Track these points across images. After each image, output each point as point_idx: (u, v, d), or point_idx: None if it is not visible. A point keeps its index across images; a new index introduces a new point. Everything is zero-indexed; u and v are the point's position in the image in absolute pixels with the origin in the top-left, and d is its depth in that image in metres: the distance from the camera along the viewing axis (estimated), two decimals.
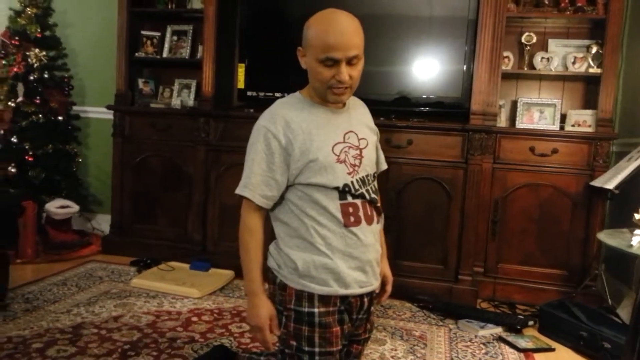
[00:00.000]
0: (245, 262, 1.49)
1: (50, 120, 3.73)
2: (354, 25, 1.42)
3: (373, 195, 1.52)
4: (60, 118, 3.79)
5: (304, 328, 1.45)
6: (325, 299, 1.45)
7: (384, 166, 1.70)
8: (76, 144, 3.98)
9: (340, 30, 1.39)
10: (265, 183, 1.46)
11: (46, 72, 3.73)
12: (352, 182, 1.47)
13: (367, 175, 1.52)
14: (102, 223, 4.05)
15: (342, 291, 1.46)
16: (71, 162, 3.90)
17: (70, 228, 3.76)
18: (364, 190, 1.49)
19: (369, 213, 1.50)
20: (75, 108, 4.00)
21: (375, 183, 1.58)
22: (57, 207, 3.62)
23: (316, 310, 1.45)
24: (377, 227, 1.55)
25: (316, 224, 1.45)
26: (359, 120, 1.58)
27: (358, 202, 1.48)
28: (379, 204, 1.55)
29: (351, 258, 1.47)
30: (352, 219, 1.46)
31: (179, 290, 2.90)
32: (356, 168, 1.49)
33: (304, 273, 1.45)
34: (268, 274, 1.55)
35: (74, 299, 2.73)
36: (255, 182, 1.46)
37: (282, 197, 1.51)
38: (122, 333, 2.32)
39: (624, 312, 2.70)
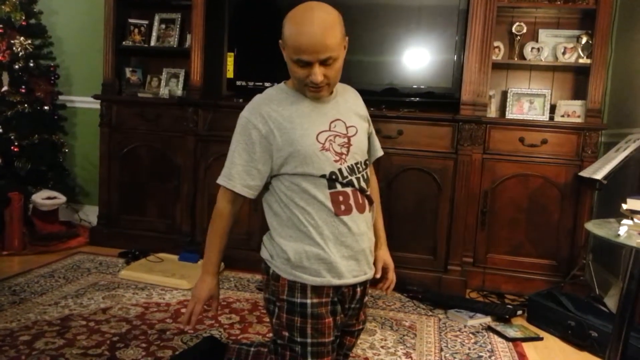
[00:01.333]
0: (209, 243, 1.57)
1: (36, 110, 3.67)
2: (328, 24, 1.37)
3: (363, 184, 1.51)
4: (46, 108, 3.73)
5: (296, 319, 1.45)
6: (317, 290, 1.45)
7: (379, 153, 1.69)
8: (62, 134, 3.93)
9: (311, 32, 1.35)
10: (247, 172, 1.47)
11: (31, 60, 3.66)
12: (339, 170, 1.46)
13: (356, 163, 1.51)
14: (90, 214, 4.01)
15: (335, 281, 1.46)
16: (58, 153, 3.85)
17: (57, 219, 3.72)
18: (353, 178, 1.48)
19: (360, 201, 1.49)
20: (61, 97, 3.94)
21: (367, 171, 1.57)
22: (44, 198, 3.58)
23: (309, 301, 1.44)
24: (369, 215, 1.55)
25: (307, 214, 1.44)
26: (348, 107, 1.57)
27: (348, 190, 1.47)
28: (368, 193, 1.54)
29: (344, 247, 1.46)
30: (342, 207, 1.45)
31: (168, 282, 2.88)
32: (343, 156, 1.48)
33: (296, 264, 1.44)
34: (261, 265, 1.55)
35: (61, 290, 2.70)
36: (236, 172, 1.47)
37: (273, 188, 1.50)
38: (110, 325, 2.30)
39: (611, 301, 2.73)
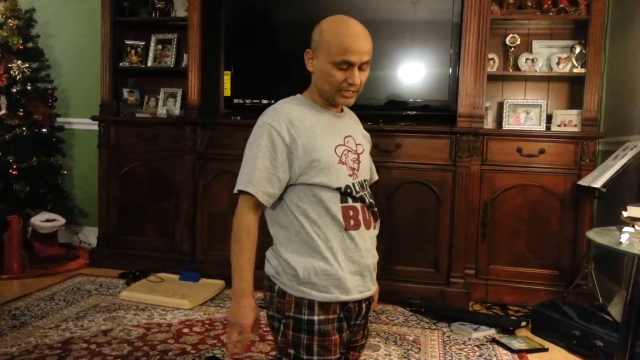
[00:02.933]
0: (239, 261, 1.45)
1: (34, 132, 3.69)
2: (366, 31, 1.46)
3: (371, 200, 1.52)
4: (44, 130, 3.74)
5: (302, 336, 1.43)
6: (325, 306, 1.44)
7: (375, 176, 1.71)
8: (61, 156, 3.93)
9: (357, 35, 1.43)
10: (268, 180, 1.43)
11: (29, 84, 3.69)
12: (353, 184, 1.47)
13: (364, 180, 1.53)
14: (89, 235, 4.00)
15: (343, 297, 1.44)
16: (56, 175, 3.85)
17: (56, 241, 3.71)
18: (363, 194, 1.49)
19: (367, 218, 1.49)
20: (59, 119, 3.95)
21: (369, 190, 1.58)
22: (43, 220, 3.57)
23: (316, 317, 1.43)
24: (375, 232, 1.55)
25: (317, 227, 1.43)
26: (355, 127, 1.61)
27: (358, 205, 1.47)
28: (376, 209, 1.54)
29: (351, 262, 1.45)
30: (352, 222, 1.45)
31: (169, 302, 2.86)
32: (355, 171, 1.49)
33: (304, 280, 1.43)
34: (264, 282, 1.51)
35: (62, 313, 2.68)
36: (259, 179, 1.42)
37: (281, 199, 1.48)
38: (112, 347, 2.28)
39: (615, 310, 2.71)
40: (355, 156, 1.52)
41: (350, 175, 1.47)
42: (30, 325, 2.49)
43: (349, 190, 1.45)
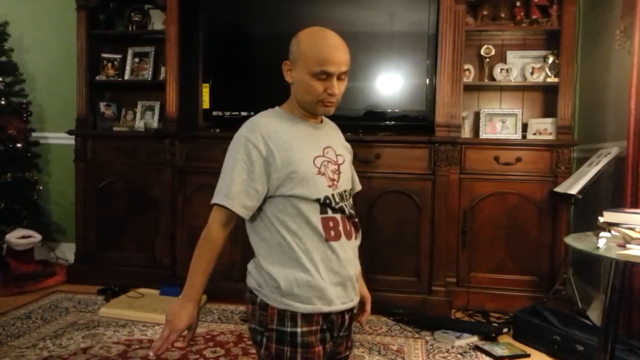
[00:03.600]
0: (195, 267, 1.47)
1: (8, 147, 3.62)
2: (343, 42, 1.48)
3: (352, 211, 1.52)
4: (19, 145, 3.68)
5: (286, 348, 1.42)
6: (308, 318, 1.43)
7: (358, 187, 1.71)
8: (36, 171, 3.86)
9: (334, 45, 1.44)
10: (246, 193, 1.43)
11: (3, 98, 3.63)
12: (332, 195, 1.47)
13: (344, 191, 1.53)
14: (66, 252, 3.92)
15: (326, 308, 1.44)
16: (32, 190, 3.77)
17: (32, 258, 3.63)
18: (343, 205, 1.49)
19: (348, 228, 1.50)
20: (34, 134, 3.88)
21: (351, 201, 1.58)
22: (18, 237, 3.49)
23: (299, 329, 1.42)
24: (356, 242, 1.55)
25: (297, 238, 1.43)
26: (335, 137, 1.61)
27: (338, 216, 1.47)
28: (357, 220, 1.54)
29: (332, 273, 1.45)
30: (332, 233, 1.45)
31: (149, 318, 2.82)
32: (335, 182, 1.49)
33: (287, 292, 1.42)
34: (246, 294, 1.50)
35: (39, 332, 2.62)
36: (236, 192, 1.42)
37: (261, 211, 1.48)
38: None
39: (594, 314, 2.76)
40: (336, 167, 1.52)
41: (329, 186, 1.47)
42: (7, 345, 2.43)
43: (327, 202, 1.45)
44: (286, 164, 1.43)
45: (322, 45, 1.44)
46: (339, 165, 1.53)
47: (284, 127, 1.48)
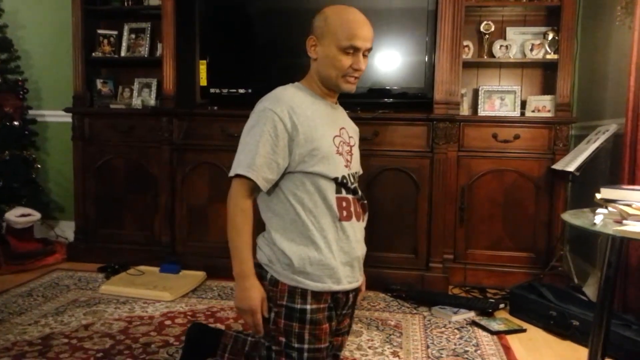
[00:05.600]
0: (236, 244, 1.42)
1: (5, 125, 3.59)
2: (368, 20, 1.53)
3: (361, 193, 1.56)
4: (15, 123, 3.65)
5: (294, 324, 1.44)
6: (317, 296, 1.45)
7: (361, 170, 1.72)
8: (34, 149, 3.85)
9: (363, 21, 1.50)
10: (268, 165, 1.42)
11: None
12: (348, 175, 1.50)
13: (355, 173, 1.57)
14: (66, 230, 3.93)
15: (335, 287, 1.47)
16: (30, 169, 3.76)
17: (32, 237, 3.64)
18: (356, 185, 1.53)
19: (358, 210, 1.53)
20: (31, 112, 3.86)
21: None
22: (18, 215, 3.50)
23: (308, 307, 1.44)
24: (363, 224, 1.59)
25: (312, 216, 1.44)
26: (347, 119, 1.65)
27: (350, 197, 1.50)
28: (365, 202, 1.57)
29: (343, 253, 1.49)
30: (345, 213, 1.48)
31: (150, 295, 2.84)
32: (349, 163, 1.53)
33: (299, 269, 1.44)
34: (256, 270, 1.48)
35: (41, 309, 2.64)
36: (260, 164, 1.40)
37: (277, 186, 1.47)
38: (93, 341, 2.26)
39: (590, 290, 2.79)
40: (349, 148, 1.55)
41: (345, 166, 1.50)
42: (9, 322, 2.45)
43: (344, 181, 1.48)
44: (309, 140, 1.44)
45: (351, 20, 1.48)
46: (351, 147, 1.56)
47: (306, 103, 1.49)
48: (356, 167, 1.59)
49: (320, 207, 1.45)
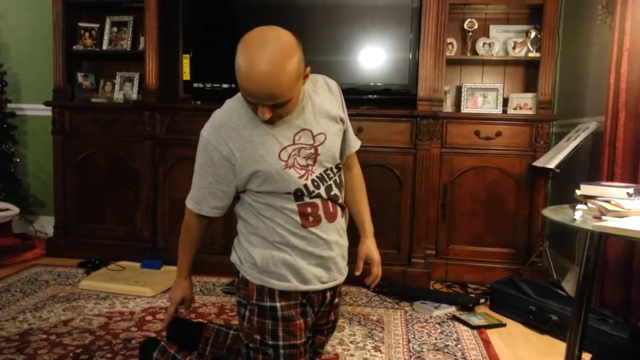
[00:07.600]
0: (180, 250, 1.66)
1: None
2: (279, 67, 1.24)
3: (334, 193, 1.48)
4: None
5: (267, 322, 1.44)
6: (285, 294, 1.45)
7: (354, 147, 1.67)
8: (13, 143, 3.79)
9: (260, 81, 1.25)
10: (213, 195, 1.47)
11: None
12: (305, 185, 1.42)
13: (325, 171, 1.47)
14: (45, 225, 3.88)
15: (302, 287, 1.45)
16: (8, 163, 3.70)
17: (10, 232, 3.59)
18: (321, 190, 1.45)
19: (331, 210, 1.47)
20: (10, 105, 3.80)
21: (340, 175, 1.56)
22: None
23: (278, 304, 1.44)
24: (341, 221, 1.53)
25: (274, 224, 1.43)
26: (316, 112, 1.48)
27: (317, 201, 1.44)
28: (340, 201, 1.53)
29: (312, 256, 1.45)
30: (310, 219, 1.43)
31: (130, 290, 2.82)
32: (310, 168, 1.43)
33: (263, 268, 1.44)
34: (233, 268, 1.57)
35: (19, 305, 2.60)
36: (202, 196, 1.48)
37: (242, 198, 1.51)
38: (73, 337, 2.23)
39: (569, 285, 2.83)
40: (311, 151, 1.43)
41: (301, 177, 1.41)
42: None
43: (299, 193, 1.42)
44: (249, 164, 1.39)
45: (247, 74, 1.26)
46: (315, 147, 1.44)
47: (245, 122, 1.40)
48: (327, 163, 1.47)
49: (279, 217, 1.43)
